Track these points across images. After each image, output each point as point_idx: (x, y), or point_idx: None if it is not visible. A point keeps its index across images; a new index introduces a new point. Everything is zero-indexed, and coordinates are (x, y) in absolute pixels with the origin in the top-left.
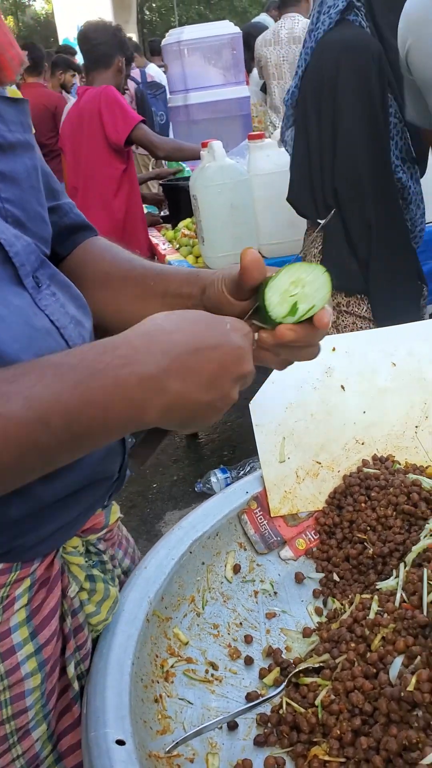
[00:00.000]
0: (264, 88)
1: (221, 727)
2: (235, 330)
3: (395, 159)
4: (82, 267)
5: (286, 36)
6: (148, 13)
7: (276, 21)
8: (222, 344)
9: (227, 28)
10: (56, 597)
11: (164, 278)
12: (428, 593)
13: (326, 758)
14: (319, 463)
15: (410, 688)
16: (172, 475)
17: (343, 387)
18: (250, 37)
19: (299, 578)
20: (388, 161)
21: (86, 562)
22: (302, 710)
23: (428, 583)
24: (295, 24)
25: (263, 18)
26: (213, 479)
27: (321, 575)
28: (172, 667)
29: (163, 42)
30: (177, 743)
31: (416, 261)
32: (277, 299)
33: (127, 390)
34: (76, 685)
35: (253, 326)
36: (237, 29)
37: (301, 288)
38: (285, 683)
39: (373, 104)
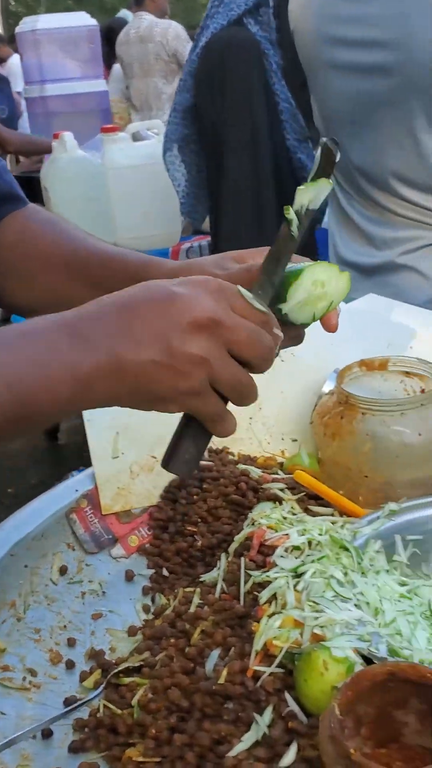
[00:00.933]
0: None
1: (35, 736)
2: (184, 282)
3: (293, 141)
4: (16, 244)
5: (134, 35)
6: (13, 3)
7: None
8: (162, 297)
9: (84, 19)
10: None
11: (112, 267)
12: (246, 582)
13: (141, 759)
14: (155, 458)
15: (222, 680)
16: (30, 478)
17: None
18: (111, 32)
19: (129, 576)
20: (284, 145)
21: None
22: (119, 711)
23: (245, 572)
24: (142, 23)
25: (124, 13)
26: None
27: (152, 571)
28: None
29: (17, 29)
30: None
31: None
32: (301, 300)
33: (60, 352)
34: None
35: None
36: (94, 21)
37: (321, 288)
38: (104, 685)
39: (257, 97)
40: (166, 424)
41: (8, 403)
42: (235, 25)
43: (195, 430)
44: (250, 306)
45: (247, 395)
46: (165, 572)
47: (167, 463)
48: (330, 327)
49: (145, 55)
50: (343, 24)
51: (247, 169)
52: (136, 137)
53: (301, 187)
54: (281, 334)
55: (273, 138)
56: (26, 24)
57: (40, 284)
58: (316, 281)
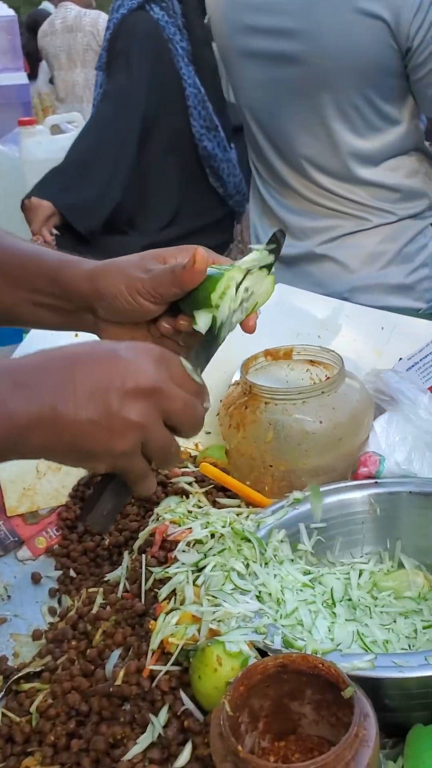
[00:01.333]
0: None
1: None
2: (130, 347)
3: (200, 128)
4: None
5: (61, 25)
6: None
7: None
8: (108, 358)
9: (1, 10)
10: None
11: (30, 268)
12: (147, 579)
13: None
14: None
15: (119, 681)
16: None
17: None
18: (36, 24)
19: (36, 578)
20: (190, 132)
21: None
22: (18, 719)
23: (147, 569)
24: (68, 13)
25: (46, 5)
26: None
27: (59, 573)
28: None
29: None
30: None
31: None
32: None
33: (1, 398)
34: None
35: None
36: (11, 12)
37: (249, 294)
38: (3, 692)
39: (161, 81)
40: None
41: None
42: (138, 10)
43: (115, 487)
44: (188, 377)
45: (172, 460)
46: (72, 573)
47: (85, 517)
48: (248, 329)
49: (74, 46)
50: (255, 12)
51: (151, 155)
52: (55, 130)
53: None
54: (210, 406)
55: (178, 124)
56: None
57: None
58: (243, 288)
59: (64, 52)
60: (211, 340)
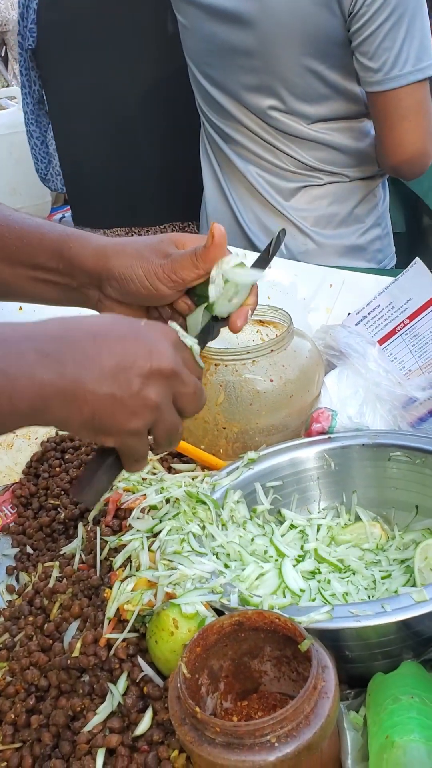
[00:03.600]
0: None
1: None
2: (150, 327)
3: None
4: None
5: None
6: None
7: None
8: (130, 336)
9: None
10: None
11: (28, 243)
12: (102, 549)
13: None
14: (14, 433)
15: (76, 653)
16: None
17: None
18: None
19: None
20: None
21: None
22: None
23: (102, 539)
24: None
25: None
26: None
27: (16, 550)
28: None
29: None
30: None
31: None
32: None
33: (29, 365)
34: None
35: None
36: None
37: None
38: None
39: None
40: None
41: None
42: None
43: (112, 464)
44: (196, 362)
45: (176, 441)
46: (29, 549)
47: (80, 493)
48: (235, 328)
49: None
50: None
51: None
52: None
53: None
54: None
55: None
56: None
57: None
58: (227, 281)
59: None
60: (210, 327)
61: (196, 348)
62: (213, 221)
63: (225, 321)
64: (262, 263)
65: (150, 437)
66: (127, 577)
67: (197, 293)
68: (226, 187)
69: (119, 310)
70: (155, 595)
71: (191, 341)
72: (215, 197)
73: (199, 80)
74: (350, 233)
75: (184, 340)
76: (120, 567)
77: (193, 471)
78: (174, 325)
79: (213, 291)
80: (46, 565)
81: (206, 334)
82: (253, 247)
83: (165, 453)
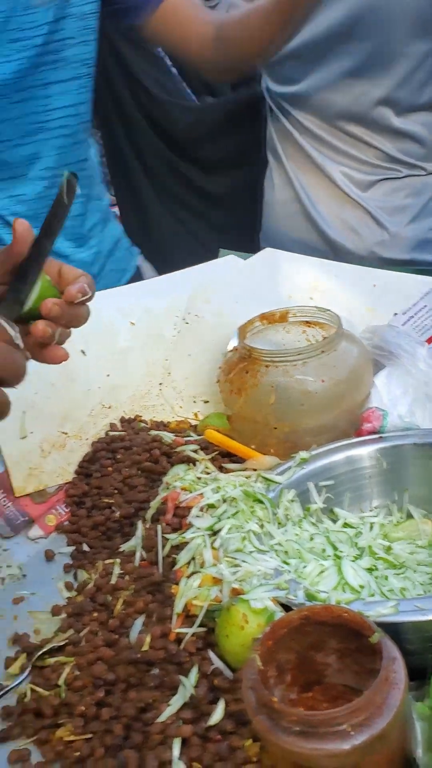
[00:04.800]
0: None
1: None
2: None
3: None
4: None
5: None
6: None
7: None
8: None
9: None
10: None
11: None
12: (163, 547)
13: (70, 738)
14: (66, 434)
15: (145, 647)
16: None
17: (83, 351)
18: None
19: (49, 555)
20: None
21: None
22: (46, 693)
23: (163, 536)
24: None
25: None
26: None
27: (72, 548)
28: None
29: None
30: None
31: None
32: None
33: None
34: None
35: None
36: None
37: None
38: (29, 668)
39: None
40: (71, 397)
41: None
42: None
43: None
44: (2, 328)
45: (2, 412)
46: (85, 547)
47: None
48: (70, 297)
49: None
50: None
51: None
52: None
53: None
54: (23, 347)
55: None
56: None
57: None
58: None
59: None
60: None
61: None
62: (281, 220)
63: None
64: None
65: None
66: (192, 574)
67: None
68: (298, 182)
69: None
70: (221, 591)
71: None
72: (284, 196)
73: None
74: (423, 226)
75: None
76: (183, 564)
77: (245, 470)
78: None
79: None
80: (106, 562)
81: (10, 306)
82: (328, 242)
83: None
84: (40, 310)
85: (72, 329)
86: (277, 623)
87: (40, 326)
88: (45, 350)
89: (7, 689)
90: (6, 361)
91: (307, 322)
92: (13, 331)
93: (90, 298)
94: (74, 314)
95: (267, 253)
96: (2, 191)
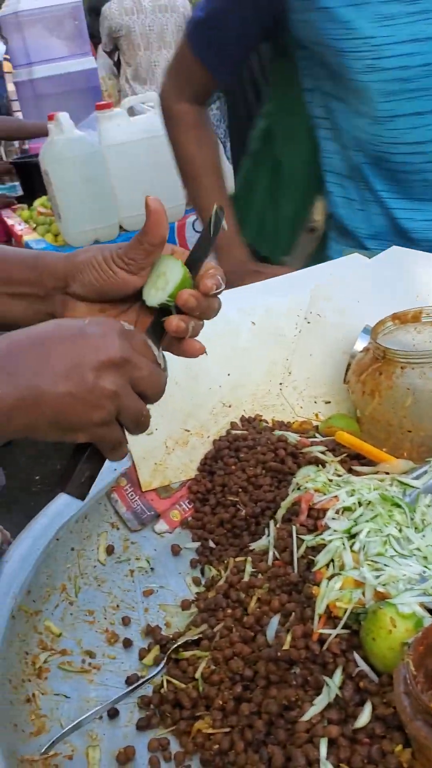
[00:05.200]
0: (118, 61)
1: (101, 717)
2: (93, 323)
3: None
4: None
5: (150, 5)
6: None
7: None
8: (75, 336)
9: None
10: None
11: (5, 263)
12: (298, 548)
13: (210, 731)
14: (188, 431)
15: (286, 646)
16: (54, 464)
17: (205, 353)
18: (98, 5)
19: (175, 550)
20: None
21: None
22: (183, 686)
23: (297, 537)
24: None
25: None
26: None
27: (197, 544)
28: (45, 662)
29: (0, 13)
30: (53, 742)
31: None
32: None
33: None
34: None
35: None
36: None
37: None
38: (164, 660)
39: None
40: (194, 395)
41: None
42: None
43: (90, 456)
44: (148, 347)
45: (144, 425)
46: (211, 544)
47: (64, 486)
48: (206, 289)
49: (167, 26)
50: None
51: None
52: (131, 112)
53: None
54: (168, 373)
55: None
56: (8, 7)
57: None
58: (159, 273)
59: (155, 32)
60: (156, 319)
61: (145, 336)
62: None
63: (170, 311)
64: (201, 249)
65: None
66: (332, 576)
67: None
68: None
69: (81, 309)
70: (363, 594)
71: (139, 332)
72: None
73: None
74: None
75: (123, 323)
76: (322, 565)
77: (377, 473)
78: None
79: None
80: (237, 560)
81: (154, 327)
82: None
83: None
84: (176, 301)
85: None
86: (430, 629)
87: (173, 322)
88: (182, 344)
89: (144, 679)
90: (152, 379)
91: None
92: (158, 351)
93: (221, 291)
94: (207, 306)
95: (394, 251)
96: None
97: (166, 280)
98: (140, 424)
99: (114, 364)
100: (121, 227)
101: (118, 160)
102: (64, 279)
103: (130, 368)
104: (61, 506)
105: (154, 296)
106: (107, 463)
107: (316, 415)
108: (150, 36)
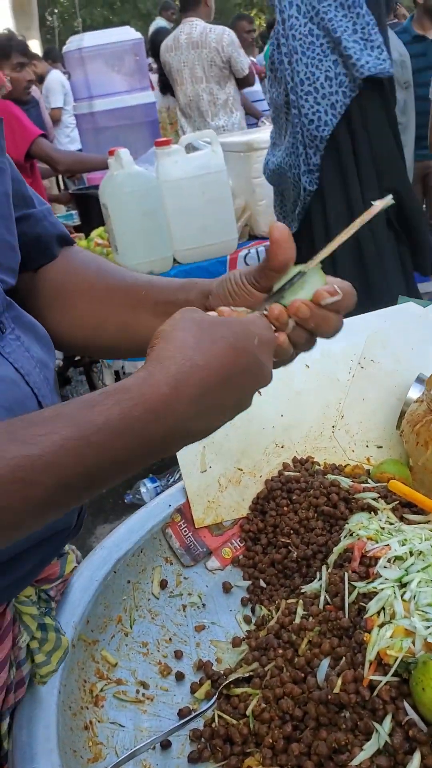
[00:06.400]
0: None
1: (154, 748)
2: (262, 344)
3: None
4: (61, 278)
5: (185, 41)
6: (50, 18)
7: (173, 24)
8: (249, 367)
9: (128, 33)
10: (7, 648)
11: (156, 287)
12: (349, 594)
13: (258, 767)
14: (241, 470)
15: (336, 690)
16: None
17: (259, 392)
18: (156, 42)
19: (227, 588)
20: None
21: (38, 610)
22: (234, 721)
23: (349, 584)
24: (193, 29)
25: (159, 22)
26: (142, 489)
27: (248, 583)
28: (101, 690)
29: (64, 49)
30: None
31: None
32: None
33: (152, 444)
34: (6, 744)
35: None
36: (138, 35)
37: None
38: (216, 696)
39: None
40: (248, 435)
41: (86, 493)
42: None
43: None
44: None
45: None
46: (262, 583)
47: None
48: (318, 298)
49: (197, 61)
50: None
51: None
52: (189, 149)
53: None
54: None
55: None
56: (72, 43)
57: (80, 310)
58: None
59: (188, 67)
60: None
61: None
62: None
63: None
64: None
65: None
66: (383, 624)
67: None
68: None
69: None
70: (413, 643)
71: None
72: None
73: None
74: None
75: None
76: (374, 613)
77: (428, 522)
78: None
79: (281, 280)
80: (288, 601)
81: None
82: None
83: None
84: (289, 308)
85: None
86: None
87: (276, 310)
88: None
89: (196, 713)
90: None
91: None
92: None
93: (340, 305)
94: (322, 317)
95: None
96: None
97: (302, 285)
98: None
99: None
100: (174, 260)
101: (174, 195)
102: (208, 291)
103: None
104: (119, 539)
105: (291, 298)
106: (161, 498)
107: (368, 459)
108: (183, 71)
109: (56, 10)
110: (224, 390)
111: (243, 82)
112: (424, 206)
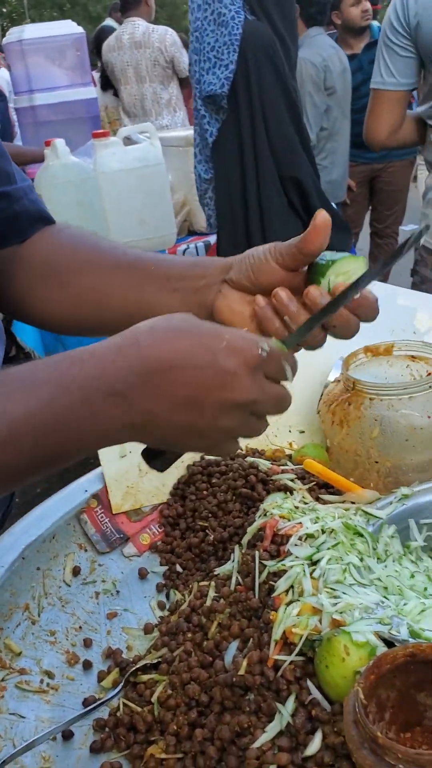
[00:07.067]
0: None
1: (55, 738)
2: (230, 351)
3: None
4: (50, 256)
5: (128, 41)
6: None
7: (119, 25)
8: (206, 365)
9: (70, 27)
10: None
11: (166, 261)
12: (260, 573)
13: (163, 756)
14: None
15: (241, 672)
16: (35, 487)
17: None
18: (99, 40)
19: (143, 574)
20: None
21: None
22: (139, 709)
23: (260, 563)
24: (136, 29)
25: (109, 22)
26: None
27: (164, 568)
28: (2, 680)
29: (4, 41)
30: (3, 762)
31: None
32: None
33: (95, 406)
34: None
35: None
36: (80, 29)
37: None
38: (122, 683)
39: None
40: None
41: (32, 451)
42: None
43: None
44: (281, 369)
45: (256, 434)
46: (178, 568)
47: (151, 460)
48: (335, 290)
49: (141, 61)
50: None
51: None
52: (127, 141)
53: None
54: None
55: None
56: (13, 35)
57: (78, 287)
58: (339, 273)
59: (132, 67)
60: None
61: (280, 346)
62: None
63: (330, 313)
64: (388, 259)
65: None
66: (291, 602)
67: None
68: None
69: (234, 298)
70: (320, 621)
71: (275, 343)
72: None
73: None
74: None
75: (262, 345)
76: (282, 591)
77: (343, 502)
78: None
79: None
80: (201, 584)
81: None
82: None
83: (312, 483)
84: (333, 289)
85: None
86: (381, 658)
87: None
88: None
89: (100, 702)
90: (276, 408)
91: (412, 356)
92: (290, 369)
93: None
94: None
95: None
96: None
97: (345, 277)
98: (252, 435)
99: (237, 405)
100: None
101: (112, 187)
102: (229, 266)
103: (255, 407)
104: (29, 525)
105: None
106: (77, 483)
107: (290, 444)
108: (128, 71)
109: (4, 10)
110: (168, 374)
111: (186, 82)
112: (369, 209)
